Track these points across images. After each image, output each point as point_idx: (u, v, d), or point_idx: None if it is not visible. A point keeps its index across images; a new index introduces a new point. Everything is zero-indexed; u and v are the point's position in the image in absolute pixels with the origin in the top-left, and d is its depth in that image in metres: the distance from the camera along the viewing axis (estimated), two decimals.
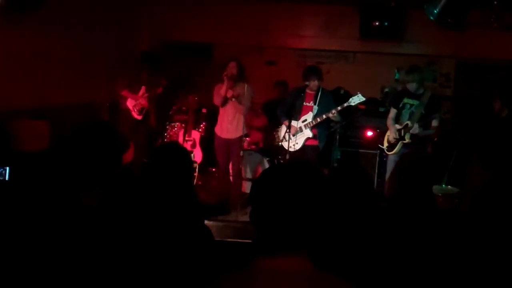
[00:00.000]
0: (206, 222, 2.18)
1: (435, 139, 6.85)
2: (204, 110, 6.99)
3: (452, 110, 5.12)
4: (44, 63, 5.44)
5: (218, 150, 5.87)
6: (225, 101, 5.61)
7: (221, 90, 5.58)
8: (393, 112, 5.48)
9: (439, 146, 6.73)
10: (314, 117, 5.46)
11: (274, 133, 6.79)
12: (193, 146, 6.70)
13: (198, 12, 7.64)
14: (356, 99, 5.31)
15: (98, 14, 6.21)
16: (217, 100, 5.70)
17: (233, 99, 5.57)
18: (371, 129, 6.59)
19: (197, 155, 6.66)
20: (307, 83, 5.49)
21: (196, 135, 6.81)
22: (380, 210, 2.43)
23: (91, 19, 6.08)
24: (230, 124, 5.67)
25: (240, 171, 5.88)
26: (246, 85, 5.51)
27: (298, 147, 5.52)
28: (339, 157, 5.68)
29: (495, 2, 5.87)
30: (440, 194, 4.82)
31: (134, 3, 7.29)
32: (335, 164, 5.65)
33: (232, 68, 5.51)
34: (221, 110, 5.74)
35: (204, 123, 6.88)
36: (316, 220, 1.35)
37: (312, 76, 5.45)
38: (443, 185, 5.13)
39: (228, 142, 5.73)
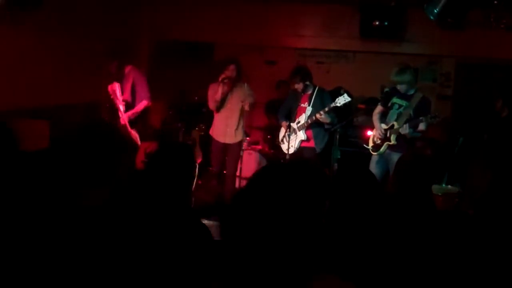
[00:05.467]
0: (206, 222, 2.18)
1: (436, 138, 6.84)
2: (204, 110, 6.98)
3: (439, 115, 4.90)
4: (44, 63, 5.44)
5: (214, 154, 5.69)
6: (220, 106, 5.48)
7: (217, 95, 5.42)
8: (378, 108, 5.36)
9: (439, 146, 6.73)
10: (307, 119, 5.38)
11: (275, 133, 6.80)
12: (193, 146, 6.69)
13: (198, 12, 7.64)
14: (342, 100, 5.17)
15: (98, 14, 6.21)
16: (212, 105, 5.54)
17: (244, 106, 5.39)
18: (371, 128, 6.58)
19: (197, 155, 6.66)
20: (295, 87, 5.41)
21: (196, 135, 6.81)
22: (381, 210, 2.43)
23: (91, 19, 6.08)
24: (229, 128, 5.50)
25: (235, 177, 5.68)
26: (245, 85, 5.44)
27: (292, 150, 5.43)
28: (339, 156, 5.63)
29: (495, 2, 5.86)
30: (440, 194, 4.81)
31: (134, 3, 7.28)
32: (335, 165, 5.59)
33: (232, 71, 5.37)
34: (220, 113, 5.58)
35: (204, 123, 6.86)
36: (315, 220, 1.34)
37: (295, 79, 5.36)
38: (443, 185, 5.12)
39: (226, 146, 5.57)
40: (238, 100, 5.45)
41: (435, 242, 2.13)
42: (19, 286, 1.64)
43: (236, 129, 5.51)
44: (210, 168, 6.28)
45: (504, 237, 2.07)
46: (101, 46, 6.16)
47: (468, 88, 7.79)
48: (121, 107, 5.62)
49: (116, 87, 5.68)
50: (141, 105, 5.62)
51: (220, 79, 5.37)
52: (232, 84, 5.43)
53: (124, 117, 5.53)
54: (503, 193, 2.17)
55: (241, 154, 5.68)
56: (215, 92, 5.46)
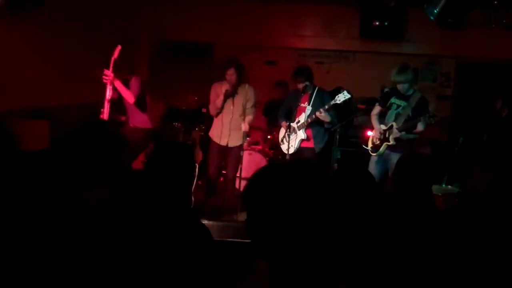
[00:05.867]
0: (206, 222, 2.18)
1: (436, 138, 6.85)
2: (204, 110, 6.98)
3: (437, 115, 4.90)
4: (44, 63, 5.44)
5: (211, 156, 5.56)
6: (221, 111, 5.38)
7: (217, 102, 5.33)
8: (376, 109, 5.37)
9: (439, 146, 6.74)
10: (307, 118, 5.36)
11: (275, 133, 6.79)
12: (193, 146, 6.69)
13: (198, 12, 7.64)
14: (342, 97, 5.13)
15: (98, 14, 6.21)
16: (213, 111, 5.45)
17: (242, 126, 5.32)
18: (371, 129, 6.59)
19: (197, 155, 6.66)
20: (298, 86, 5.41)
21: (196, 135, 6.80)
22: (380, 210, 2.43)
23: (92, 19, 6.08)
24: (232, 131, 5.40)
25: (235, 180, 5.55)
26: (246, 86, 5.35)
27: (293, 149, 5.42)
28: (339, 157, 5.61)
29: (495, 2, 5.87)
30: (440, 194, 4.81)
31: (134, 4, 7.29)
32: (335, 165, 5.58)
33: (231, 75, 5.24)
34: (222, 115, 5.44)
35: (204, 123, 6.86)
36: (316, 221, 1.34)
37: (299, 78, 5.34)
38: (443, 185, 5.12)
39: (226, 149, 5.48)
40: (241, 102, 5.36)
41: (435, 242, 2.13)
42: (19, 286, 1.64)
43: (238, 131, 5.41)
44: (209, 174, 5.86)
45: (504, 237, 2.07)
46: (101, 46, 6.16)
47: (468, 88, 7.80)
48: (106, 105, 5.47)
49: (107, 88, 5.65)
50: (129, 93, 5.38)
51: (223, 91, 5.27)
52: (234, 87, 5.31)
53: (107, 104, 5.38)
54: (503, 193, 2.18)
55: (241, 154, 5.62)
56: (217, 95, 5.37)
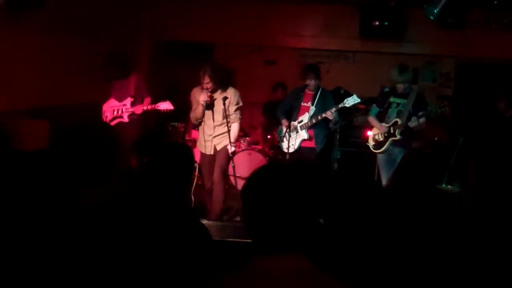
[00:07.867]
0: (205, 222, 2.18)
1: (436, 138, 6.85)
2: None
3: (449, 104, 5.02)
4: (44, 63, 5.44)
5: (204, 167, 5.33)
6: (201, 121, 5.21)
7: (197, 111, 5.11)
8: (374, 111, 5.42)
9: (439, 146, 6.73)
10: (310, 118, 5.35)
11: (274, 132, 6.79)
12: (193, 146, 6.69)
13: (198, 12, 7.65)
14: (351, 101, 5.19)
15: (98, 14, 6.20)
16: (194, 120, 5.28)
17: (233, 115, 5.09)
18: (371, 129, 6.58)
19: (197, 155, 6.65)
20: (306, 82, 5.42)
21: (196, 135, 6.80)
22: (380, 208, 2.43)
23: (92, 19, 6.08)
24: (215, 137, 5.19)
25: (222, 185, 5.26)
26: (229, 88, 5.11)
27: (293, 149, 5.40)
28: (339, 156, 5.62)
29: (495, 2, 5.87)
30: None
31: (135, 3, 7.29)
32: (336, 164, 5.58)
33: (207, 84, 4.97)
34: (202, 125, 5.24)
35: None
36: (316, 220, 1.34)
37: (310, 75, 5.35)
38: (443, 185, 5.12)
39: (214, 155, 5.26)
40: (222, 108, 5.04)
41: (436, 240, 2.13)
42: (19, 286, 1.64)
43: (224, 134, 5.14)
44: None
45: (504, 236, 2.07)
46: (102, 46, 6.16)
47: (468, 88, 7.80)
48: (125, 116, 5.71)
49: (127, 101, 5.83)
50: (146, 102, 5.75)
51: (201, 101, 5.03)
52: (212, 97, 5.05)
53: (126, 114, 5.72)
54: (503, 192, 2.18)
55: (230, 151, 5.30)
56: (196, 102, 5.14)
